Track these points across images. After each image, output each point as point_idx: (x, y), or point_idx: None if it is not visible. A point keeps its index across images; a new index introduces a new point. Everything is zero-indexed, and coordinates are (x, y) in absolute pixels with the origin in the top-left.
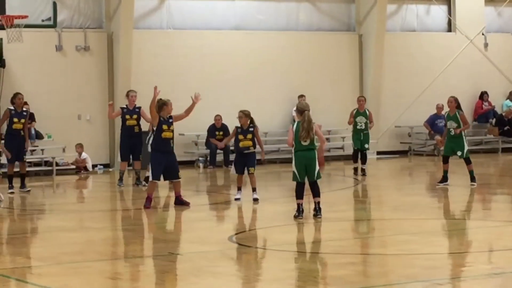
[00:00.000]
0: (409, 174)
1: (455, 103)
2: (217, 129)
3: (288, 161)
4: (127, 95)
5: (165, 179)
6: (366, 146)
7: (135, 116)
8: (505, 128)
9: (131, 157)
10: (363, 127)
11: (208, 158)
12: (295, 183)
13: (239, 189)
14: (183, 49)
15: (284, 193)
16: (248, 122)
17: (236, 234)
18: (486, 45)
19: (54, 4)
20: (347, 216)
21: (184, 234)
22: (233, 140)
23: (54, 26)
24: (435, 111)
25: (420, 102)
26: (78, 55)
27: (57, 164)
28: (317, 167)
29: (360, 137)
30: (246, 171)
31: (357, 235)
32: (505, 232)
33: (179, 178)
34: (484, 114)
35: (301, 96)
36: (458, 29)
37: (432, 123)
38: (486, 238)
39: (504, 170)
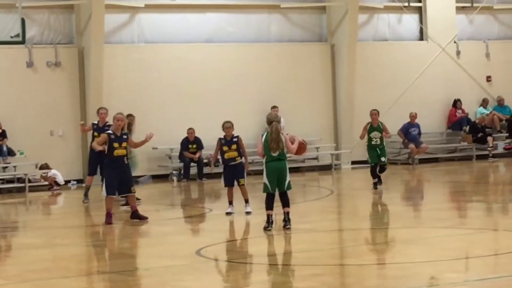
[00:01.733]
0: (383, 183)
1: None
2: (190, 142)
3: (260, 172)
4: (98, 112)
5: (119, 194)
6: (383, 159)
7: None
8: (479, 135)
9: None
10: (378, 142)
11: (182, 172)
12: (265, 194)
13: (230, 203)
14: (155, 63)
15: (257, 204)
16: (232, 132)
17: (205, 247)
18: (458, 53)
19: (22, 20)
20: (319, 226)
21: (153, 248)
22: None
23: (22, 42)
24: (408, 120)
25: (393, 111)
26: (49, 71)
27: (29, 181)
28: (288, 178)
29: (376, 152)
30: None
31: (329, 246)
32: (479, 239)
33: (133, 192)
34: (458, 121)
35: (274, 107)
36: (430, 37)
37: (406, 131)
38: (459, 246)
39: (478, 178)
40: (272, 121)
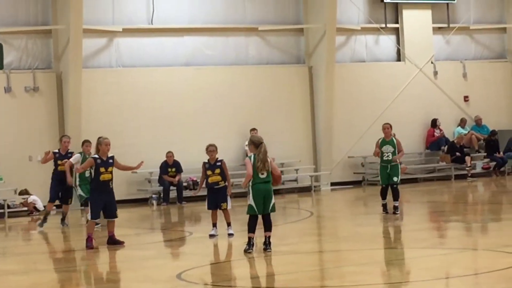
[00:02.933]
0: (363, 204)
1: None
2: (169, 166)
3: (240, 195)
4: (60, 140)
5: (105, 217)
6: (395, 179)
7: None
8: (457, 154)
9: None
10: (390, 157)
11: (162, 195)
12: (247, 216)
13: (214, 225)
14: (133, 87)
15: (236, 227)
16: (216, 156)
17: (186, 271)
18: (435, 73)
19: (0, 46)
20: (299, 248)
21: (134, 272)
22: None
23: (0, 68)
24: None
25: (372, 132)
26: (28, 96)
27: (8, 207)
28: (273, 200)
29: (387, 169)
30: None
31: (309, 268)
32: (458, 259)
33: (116, 217)
34: (436, 141)
35: (253, 129)
36: (407, 58)
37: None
38: (438, 266)
39: (457, 197)
40: (260, 142)
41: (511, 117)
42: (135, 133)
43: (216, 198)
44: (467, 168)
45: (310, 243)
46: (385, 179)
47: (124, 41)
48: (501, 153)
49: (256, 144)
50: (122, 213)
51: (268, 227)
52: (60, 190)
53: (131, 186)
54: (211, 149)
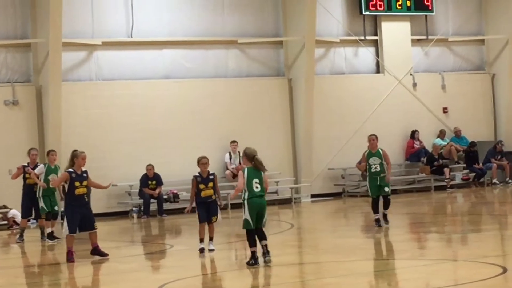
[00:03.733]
0: (343, 216)
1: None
2: (149, 179)
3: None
4: (28, 153)
5: (80, 231)
6: (386, 189)
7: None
8: (435, 164)
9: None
10: (379, 168)
11: (142, 208)
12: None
13: (201, 240)
14: (113, 100)
15: (216, 240)
16: (208, 169)
17: (167, 283)
18: (414, 85)
19: None
20: (280, 260)
21: (115, 285)
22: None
23: None
24: None
25: (352, 144)
26: (7, 110)
27: None
28: (266, 215)
29: (377, 181)
30: None
31: (290, 280)
32: (438, 270)
33: (95, 228)
34: (416, 153)
35: (234, 142)
36: (387, 70)
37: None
38: (419, 277)
39: (436, 209)
40: (254, 155)
41: (490, 129)
42: (115, 146)
43: (208, 211)
44: (446, 180)
45: (291, 255)
46: (375, 191)
47: (104, 54)
48: (480, 164)
49: (249, 157)
50: (103, 226)
51: (263, 236)
52: (32, 205)
53: (111, 199)
54: (204, 161)
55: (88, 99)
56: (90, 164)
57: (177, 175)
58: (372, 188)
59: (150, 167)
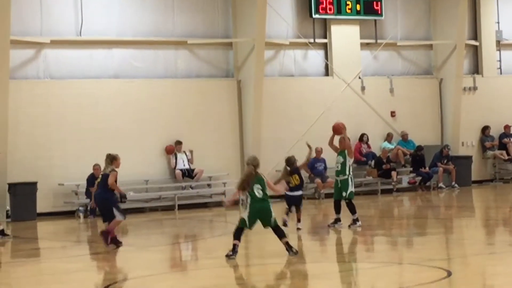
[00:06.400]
0: (290, 219)
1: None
2: (96, 179)
3: (169, 208)
4: None
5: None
6: (344, 194)
7: None
8: (383, 167)
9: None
10: (339, 168)
11: (89, 208)
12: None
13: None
14: (61, 98)
15: (164, 240)
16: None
17: (112, 284)
18: (363, 88)
19: None
20: (225, 262)
21: (59, 285)
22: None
23: None
24: (314, 155)
25: (300, 146)
26: None
27: None
28: (273, 214)
29: (338, 183)
30: None
31: (236, 281)
32: (384, 273)
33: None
34: (363, 156)
35: (179, 142)
36: (335, 73)
37: (312, 166)
38: (364, 280)
39: (383, 212)
40: (247, 164)
41: (437, 133)
42: (62, 145)
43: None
44: (393, 183)
45: (238, 257)
46: (336, 192)
47: (52, 52)
48: (427, 168)
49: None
50: (48, 225)
51: (281, 234)
52: None
53: (57, 198)
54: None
55: (35, 97)
56: (37, 162)
57: (125, 175)
58: (334, 190)
59: (96, 167)
